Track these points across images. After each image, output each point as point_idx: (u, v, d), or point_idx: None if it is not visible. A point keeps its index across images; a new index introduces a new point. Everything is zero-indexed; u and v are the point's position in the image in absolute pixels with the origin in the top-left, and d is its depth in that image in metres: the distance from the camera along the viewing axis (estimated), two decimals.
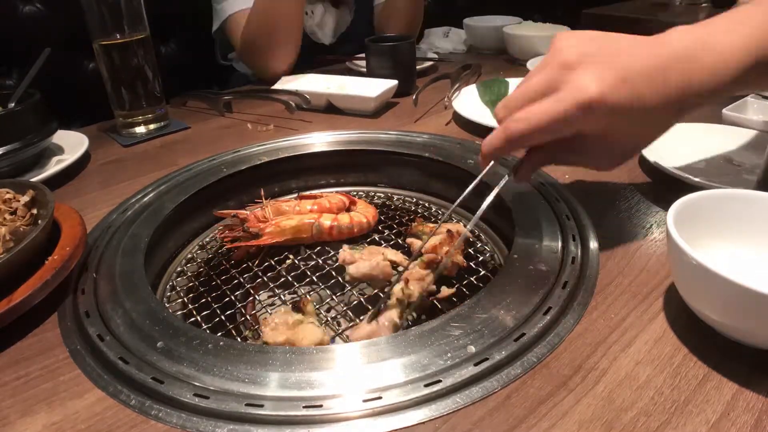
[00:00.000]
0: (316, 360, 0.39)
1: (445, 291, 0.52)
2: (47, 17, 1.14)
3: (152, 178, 0.72)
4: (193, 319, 0.52)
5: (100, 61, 0.85)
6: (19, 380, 0.40)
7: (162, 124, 0.92)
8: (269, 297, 0.58)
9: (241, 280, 0.59)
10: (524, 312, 0.43)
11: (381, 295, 0.51)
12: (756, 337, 0.38)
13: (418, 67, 1.10)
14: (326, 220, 0.63)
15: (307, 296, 0.53)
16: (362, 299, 0.55)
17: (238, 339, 0.50)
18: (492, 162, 0.48)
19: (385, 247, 0.60)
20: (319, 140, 0.81)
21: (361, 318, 0.50)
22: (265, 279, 0.58)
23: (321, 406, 0.36)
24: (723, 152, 0.70)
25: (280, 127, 0.89)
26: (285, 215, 0.64)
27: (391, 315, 0.48)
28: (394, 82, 0.96)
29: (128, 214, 0.62)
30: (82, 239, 0.53)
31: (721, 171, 0.67)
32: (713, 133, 0.73)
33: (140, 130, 0.90)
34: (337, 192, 0.75)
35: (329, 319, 0.51)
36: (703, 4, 2.03)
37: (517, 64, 1.24)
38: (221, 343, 0.41)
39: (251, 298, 0.58)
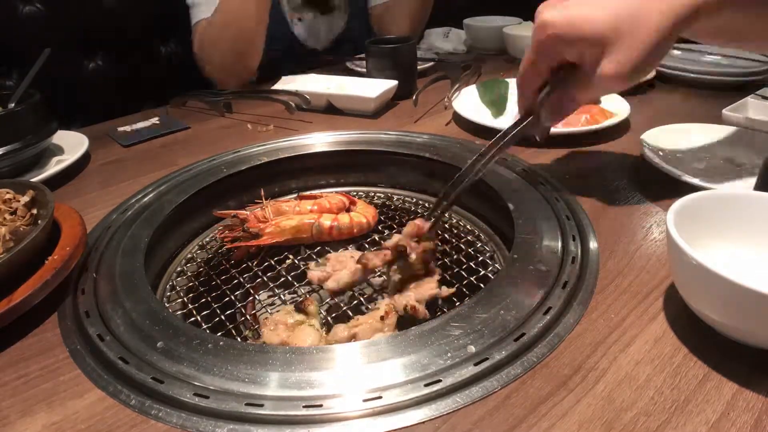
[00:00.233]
0: (316, 360, 0.39)
1: (445, 291, 0.52)
2: (47, 17, 1.14)
3: (152, 178, 0.72)
4: (193, 319, 0.52)
5: None
6: (19, 380, 0.40)
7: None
8: (269, 297, 0.58)
9: (241, 280, 0.59)
10: (524, 312, 0.43)
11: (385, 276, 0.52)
12: (756, 337, 0.38)
13: (418, 67, 1.10)
14: (326, 221, 0.63)
15: (310, 296, 0.53)
16: (362, 299, 0.55)
17: (238, 339, 0.50)
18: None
19: (351, 250, 0.61)
20: (319, 140, 0.81)
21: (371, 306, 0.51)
22: (265, 279, 0.58)
23: (321, 405, 0.36)
24: (723, 152, 0.70)
25: (280, 128, 0.89)
26: (285, 215, 0.64)
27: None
28: (394, 83, 0.96)
29: (128, 214, 0.62)
30: (82, 239, 0.53)
31: (721, 171, 0.67)
32: (713, 133, 0.73)
33: None
34: (337, 192, 0.75)
35: (329, 320, 0.51)
36: None
37: (517, 64, 1.23)
38: (221, 343, 0.41)
39: (251, 298, 0.58)
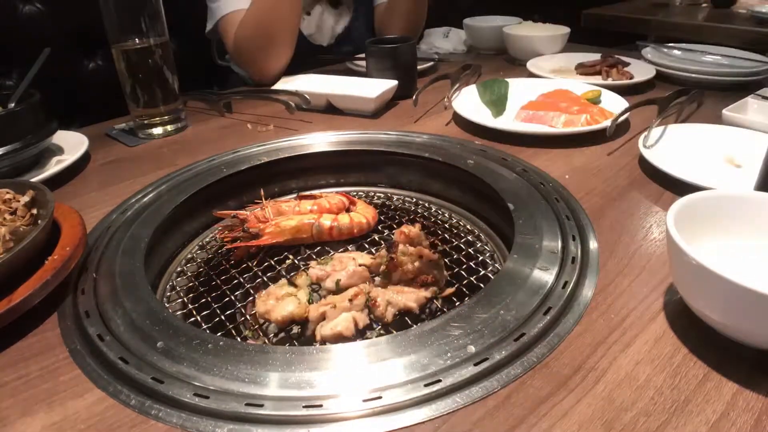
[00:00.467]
0: (316, 360, 0.39)
1: (445, 291, 0.52)
2: (47, 17, 1.14)
3: (152, 178, 0.72)
4: (193, 319, 0.52)
5: (119, 62, 0.86)
6: (19, 380, 0.40)
7: (179, 125, 0.92)
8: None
9: (241, 280, 0.59)
10: (524, 312, 0.43)
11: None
12: (756, 337, 0.38)
13: (418, 67, 1.10)
14: (326, 221, 0.63)
15: (302, 269, 0.54)
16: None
17: (238, 339, 0.50)
18: None
19: (352, 251, 0.61)
20: (319, 140, 0.81)
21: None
22: (265, 279, 0.58)
23: (321, 405, 0.36)
24: (723, 152, 0.70)
25: (280, 128, 0.89)
26: (285, 215, 0.64)
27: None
28: (394, 83, 0.96)
29: (128, 214, 0.62)
30: (82, 239, 0.53)
31: (721, 171, 0.67)
32: (713, 133, 0.73)
33: (157, 131, 0.90)
34: (336, 192, 0.75)
35: (318, 293, 0.52)
36: (703, 5, 2.03)
37: (517, 64, 1.24)
38: (221, 343, 0.41)
39: (251, 298, 0.58)
